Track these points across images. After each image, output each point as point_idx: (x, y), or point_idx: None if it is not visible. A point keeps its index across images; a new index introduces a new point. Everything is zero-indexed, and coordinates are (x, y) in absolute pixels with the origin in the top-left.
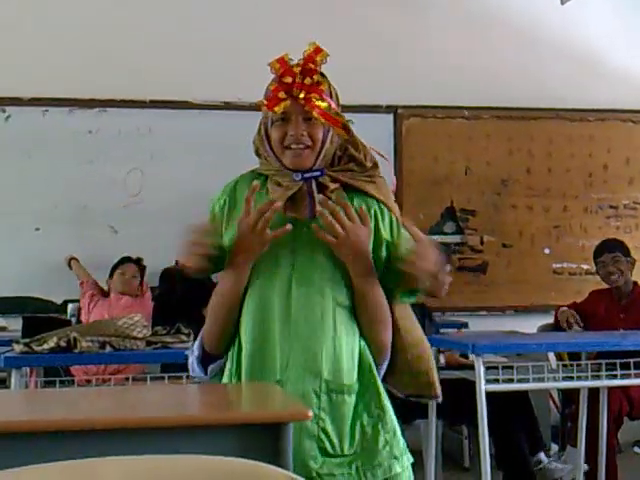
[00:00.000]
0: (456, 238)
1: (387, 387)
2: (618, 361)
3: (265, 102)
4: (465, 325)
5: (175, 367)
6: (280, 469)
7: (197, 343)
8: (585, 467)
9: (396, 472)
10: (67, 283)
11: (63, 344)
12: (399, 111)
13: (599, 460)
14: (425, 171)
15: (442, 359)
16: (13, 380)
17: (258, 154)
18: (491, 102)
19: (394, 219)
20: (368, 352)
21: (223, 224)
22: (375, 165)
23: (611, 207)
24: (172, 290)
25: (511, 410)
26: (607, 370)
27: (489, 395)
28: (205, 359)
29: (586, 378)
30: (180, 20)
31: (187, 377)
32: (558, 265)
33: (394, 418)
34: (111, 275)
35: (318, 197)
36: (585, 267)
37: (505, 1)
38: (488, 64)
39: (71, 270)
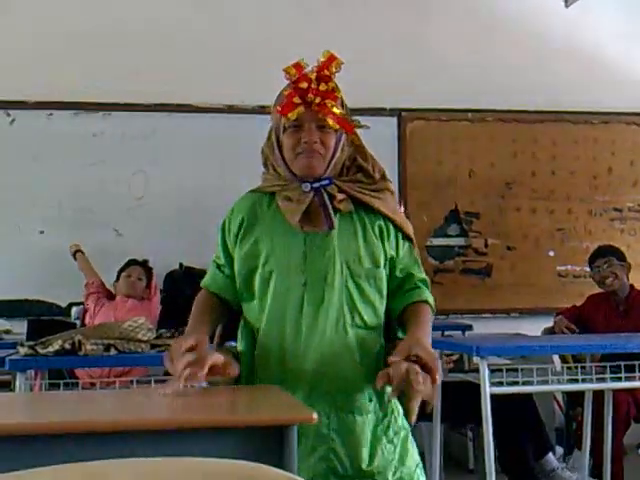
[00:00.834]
0: (460, 241)
1: None
2: (623, 363)
3: (278, 108)
4: (469, 327)
5: None
6: (283, 471)
7: None
8: None
9: None
10: (72, 286)
11: (68, 347)
12: (403, 114)
13: (604, 463)
14: (429, 174)
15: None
16: (18, 383)
17: (265, 165)
18: (495, 105)
19: (399, 235)
20: None
21: (238, 239)
22: (383, 176)
23: (615, 210)
24: (177, 293)
25: (516, 413)
26: (612, 373)
27: (494, 398)
28: None
29: (591, 381)
30: (184, 24)
31: None
32: (562, 268)
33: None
34: (117, 278)
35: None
36: (589, 270)
37: (510, 5)
38: (492, 67)
39: (75, 261)
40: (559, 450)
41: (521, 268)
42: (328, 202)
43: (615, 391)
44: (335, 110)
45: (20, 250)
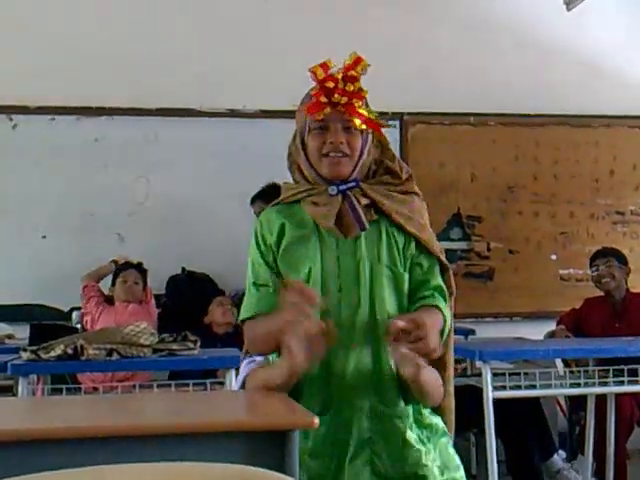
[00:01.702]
0: (462, 244)
1: None
2: (625, 367)
3: (305, 108)
4: (472, 332)
5: (182, 374)
6: (286, 477)
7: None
8: None
9: None
10: (73, 291)
11: (70, 351)
12: (405, 118)
13: (607, 467)
14: (431, 178)
15: None
16: (20, 388)
17: (291, 168)
18: (497, 108)
19: (424, 251)
20: None
21: (278, 249)
22: (410, 177)
23: (618, 213)
24: (179, 297)
25: (522, 414)
26: (614, 376)
27: (499, 401)
28: None
29: (593, 384)
30: (186, 28)
31: (194, 384)
32: (565, 271)
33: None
34: (113, 283)
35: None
36: (589, 268)
37: (511, 7)
38: (493, 70)
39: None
40: (562, 454)
41: (523, 272)
42: (357, 204)
43: (618, 395)
44: (362, 111)
45: (22, 255)
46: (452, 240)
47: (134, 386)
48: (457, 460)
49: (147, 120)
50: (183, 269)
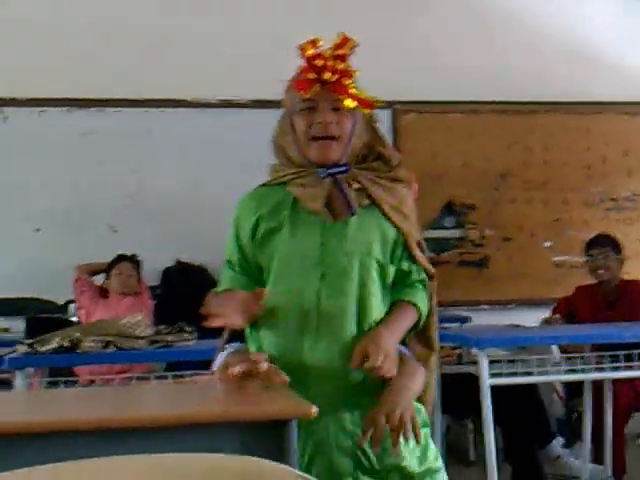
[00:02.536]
0: (456, 233)
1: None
2: (621, 353)
3: (293, 85)
4: (467, 319)
5: (179, 366)
6: (286, 466)
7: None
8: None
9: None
10: (68, 283)
11: (66, 344)
12: (397, 107)
13: (604, 451)
14: (424, 166)
15: None
16: (17, 381)
17: (277, 154)
18: (488, 97)
19: (400, 241)
20: None
21: (254, 233)
22: (400, 164)
23: (611, 199)
24: (173, 289)
25: (519, 401)
26: (611, 362)
27: (496, 388)
28: None
29: (590, 370)
30: (178, 19)
31: (191, 375)
32: (559, 258)
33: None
34: (107, 276)
35: None
36: (585, 255)
37: None
38: (485, 59)
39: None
40: (560, 440)
41: (518, 259)
42: (346, 187)
43: (616, 381)
44: (352, 90)
45: (15, 248)
46: (446, 228)
47: (131, 378)
48: (435, 451)
49: (139, 111)
50: (178, 261)
